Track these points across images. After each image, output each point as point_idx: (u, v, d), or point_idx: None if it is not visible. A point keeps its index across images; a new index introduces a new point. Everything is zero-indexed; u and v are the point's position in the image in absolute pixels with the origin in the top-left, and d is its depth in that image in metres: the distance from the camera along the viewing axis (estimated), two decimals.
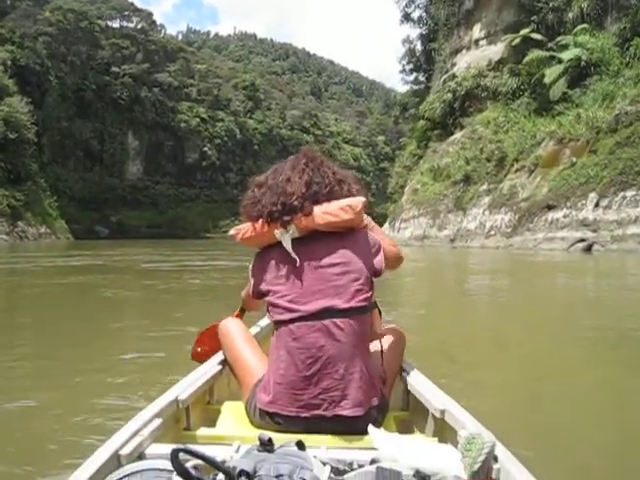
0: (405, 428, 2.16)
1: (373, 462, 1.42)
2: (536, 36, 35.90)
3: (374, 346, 2.20)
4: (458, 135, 40.34)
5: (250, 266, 2.19)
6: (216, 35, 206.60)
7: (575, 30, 33.12)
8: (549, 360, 4.82)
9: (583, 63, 31.70)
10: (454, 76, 42.16)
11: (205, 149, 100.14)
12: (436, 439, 1.92)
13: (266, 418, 1.98)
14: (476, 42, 41.46)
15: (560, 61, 33.19)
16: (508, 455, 1.50)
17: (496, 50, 39.43)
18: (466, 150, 37.04)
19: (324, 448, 1.67)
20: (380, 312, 2.24)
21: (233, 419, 2.12)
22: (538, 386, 4.02)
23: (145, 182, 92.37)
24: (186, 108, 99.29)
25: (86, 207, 77.99)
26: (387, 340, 2.34)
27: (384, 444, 1.49)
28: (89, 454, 1.48)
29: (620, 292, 10.24)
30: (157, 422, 1.77)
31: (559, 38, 34.45)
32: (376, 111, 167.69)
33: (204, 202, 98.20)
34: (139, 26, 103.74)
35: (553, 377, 4.25)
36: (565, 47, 33.88)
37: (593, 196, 26.14)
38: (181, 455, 1.25)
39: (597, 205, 25.82)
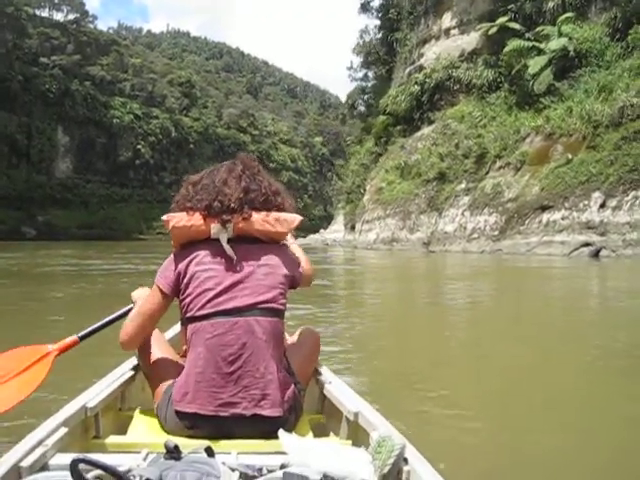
0: (320, 431, 2.16)
1: (283, 467, 1.41)
2: (514, 25, 33.64)
3: (289, 348, 2.22)
4: (426, 130, 37.67)
5: (166, 262, 2.10)
6: (148, 32, 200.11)
7: (559, 20, 30.68)
8: (526, 391, 4.10)
9: (572, 54, 29.31)
10: (422, 67, 39.51)
11: (139, 147, 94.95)
12: (350, 442, 1.92)
13: (180, 423, 1.93)
14: (447, 31, 38.84)
15: (542, 52, 30.89)
16: (418, 457, 1.51)
17: (469, 40, 36.93)
18: (439, 146, 34.33)
19: (235, 454, 1.65)
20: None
21: (145, 426, 2.06)
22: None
23: (75, 180, 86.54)
24: (119, 104, 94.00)
25: (11, 206, 72.10)
26: (302, 342, 2.36)
27: (294, 448, 1.49)
28: None
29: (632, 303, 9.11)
30: (63, 431, 1.70)
31: (540, 28, 32.30)
32: (312, 112, 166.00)
33: (137, 202, 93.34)
34: (70, 16, 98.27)
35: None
36: (546, 37, 31.59)
37: (597, 196, 23.68)
38: (82, 465, 1.22)
39: (603, 206, 23.41)
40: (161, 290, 2.07)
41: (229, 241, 2.03)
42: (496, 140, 30.60)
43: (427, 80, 37.91)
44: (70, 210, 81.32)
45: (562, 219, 24.68)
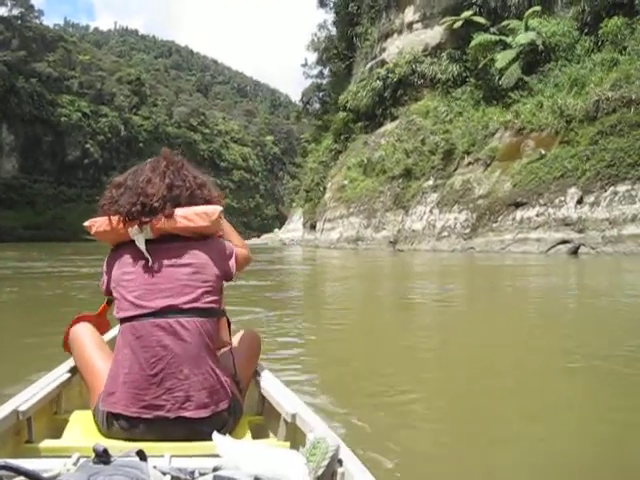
0: (259, 433, 2.17)
1: (215, 470, 1.40)
2: (479, 19, 33.08)
3: (227, 349, 2.21)
4: (389, 126, 36.77)
5: (105, 261, 2.13)
6: (96, 30, 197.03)
7: (526, 14, 30.13)
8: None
9: (541, 48, 28.73)
10: (384, 62, 38.54)
11: (87, 146, 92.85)
12: (288, 444, 1.92)
13: (113, 425, 1.91)
14: (409, 25, 37.91)
15: (509, 46, 30.33)
16: (352, 458, 1.50)
17: (433, 34, 36.10)
18: (404, 142, 33.43)
19: (168, 457, 1.62)
20: (229, 322, 2.24)
21: (81, 429, 2.01)
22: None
23: (21, 180, 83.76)
24: (67, 101, 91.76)
25: None
26: (241, 343, 2.34)
27: (227, 450, 1.50)
28: None
29: (612, 301, 8.68)
30: None
31: (505, 22, 31.76)
32: (262, 111, 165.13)
33: (85, 202, 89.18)
34: (14, 11, 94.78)
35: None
36: (512, 31, 31.07)
37: (574, 191, 23.10)
38: (4, 472, 1.19)
39: (580, 202, 22.83)
40: (102, 291, 2.13)
41: (150, 242, 2.00)
42: (464, 135, 29.84)
43: (390, 75, 36.96)
44: (16, 211, 78.59)
45: (537, 216, 24.01)
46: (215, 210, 2.05)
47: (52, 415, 2.20)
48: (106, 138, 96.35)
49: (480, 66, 31.10)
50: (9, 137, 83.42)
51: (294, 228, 58.53)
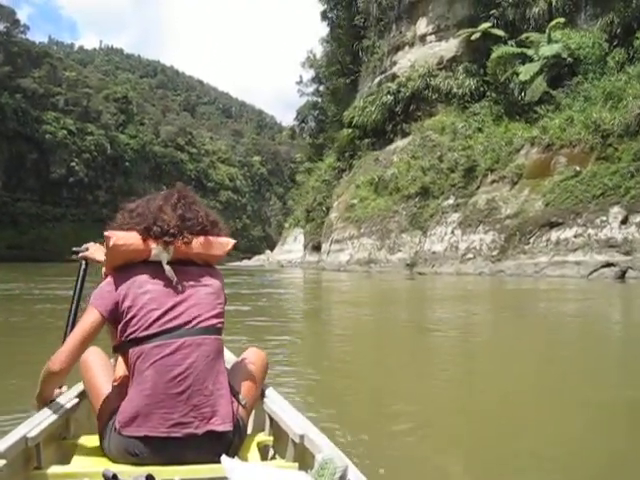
0: (267, 454, 2.21)
1: None
2: (497, 32, 31.58)
3: (235, 368, 2.26)
4: (400, 143, 35.19)
5: (103, 285, 2.06)
6: (80, 48, 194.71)
7: (550, 25, 28.70)
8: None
9: (569, 60, 27.25)
10: (394, 76, 37.01)
11: (72, 164, 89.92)
12: (296, 465, 1.93)
13: (124, 450, 1.90)
14: (422, 38, 36.43)
15: (531, 59, 28.89)
16: (360, 478, 1.52)
17: (448, 47, 34.66)
18: (419, 159, 31.66)
19: (177, 479, 1.68)
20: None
21: (89, 454, 2.03)
22: None
23: (4, 198, 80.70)
24: (52, 118, 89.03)
25: None
26: (248, 363, 2.32)
27: (237, 473, 1.50)
28: None
29: None
30: (1, 463, 1.65)
31: (525, 35, 30.30)
32: (249, 132, 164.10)
33: (70, 222, 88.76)
34: (0, 25, 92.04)
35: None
36: (533, 44, 29.65)
37: (617, 211, 21.46)
38: None
39: (625, 222, 21.05)
40: (100, 313, 2.01)
41: (169, 264, 2.02)
42: (486, 152, 28.25)
43: (402, 89, 35.44)
44: None
45: (575, 237, 22.33)
46: (229, 242, 2.17)
47: (60, 440, 2.17)
48: (92, 156, 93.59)
49: (502, 79, 29.52)
50: None
51: (290, 249, 56.66)
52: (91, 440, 2.10)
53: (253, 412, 2.30)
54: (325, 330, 9.01)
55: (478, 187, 27.75)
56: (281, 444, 2.13)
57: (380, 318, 10.52)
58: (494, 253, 25.02)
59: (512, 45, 30.56)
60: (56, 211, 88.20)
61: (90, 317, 2.01)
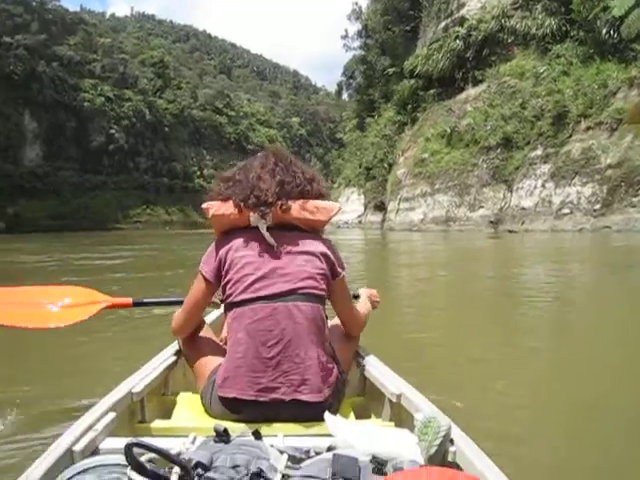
0: (362, 413, 2.17)
1: (330, 449, 1.42)
2: None
3: (331, 332, 2.19)
4: (472, 91, 32.78)
5: (208, 250, 2.12)
6: (112, 16, 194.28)
7: None
8: None
9: None
10: (463, 20, 34.29)
11: (112, 131, 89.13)
12: (392, 424, 1.93)
13: (223, 407, 1.96)
14: None
15: None
16: (464, 438, 1.50)
17: None
18: (496, 107, 29.18)
19: (281, 436, 1.67)
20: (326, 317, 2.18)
21: (189, 410, 2.07)
22: None
23: (45, 168, 79.88)
24: (89, 86, 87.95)
25: None
26: (342, 326, 2.34)
27: (340, 430, 1.50)
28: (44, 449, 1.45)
29: None
30: (111, 416, 1.73)
31: None
32: (285, 93, 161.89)
33: (112, 190, 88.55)
34: None
35: None
36: None
37: None
38: (135, 449, 1.24)
39: None
40: (205, 278, 2.07)
41: (268, 229, 2.02)
42: (577, 97, 25.79)
43: (472, 33, 32.89)
44: (41, 200, 75.87)
45: None
46: (334, 207, 2.08)
47: (160, 396, 2.26)
48: (131, 123, 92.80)
49: (591, 16, 26.82)
50: (32, 124, 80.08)
51: (343, 210, 54.79)
52: (189, 397, 2.15)
53: None
54: (403, 295, 8.17)
55: (570, 135, 25.39)
56: (375, 404, 2.14)
57: (464, 280, 9.88)
58: (596, 207, 22.81)
59: None
60: (97, 179, 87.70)
61: (197, 282, 2.09)
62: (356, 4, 59.55)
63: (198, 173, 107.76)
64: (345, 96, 74.24)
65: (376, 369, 2.17)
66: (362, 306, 2.41)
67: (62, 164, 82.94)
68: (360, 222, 42.14)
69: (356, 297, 2.53)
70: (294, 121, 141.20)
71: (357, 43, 61.20)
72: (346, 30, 59.00)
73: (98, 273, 11.65)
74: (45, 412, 3.07)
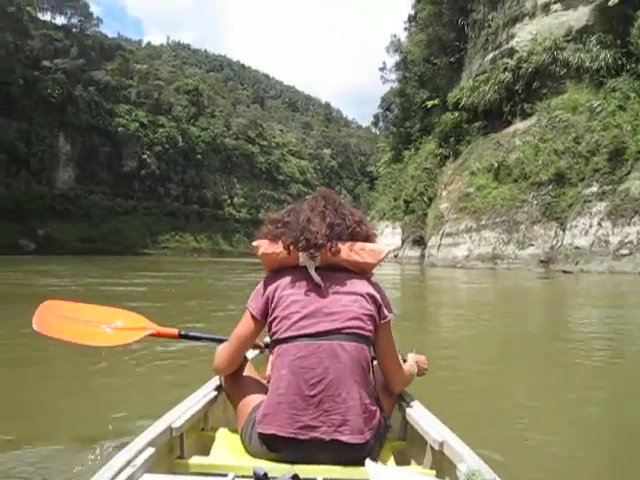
0: (402, 459, 2.13)
1: None
2: None
3: (375, 374, 2.20)
4: (521, 125, 31.72)
5: (257, 287, 2.13)
6: (148, 44, 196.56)
7: None
8: None
9: None
10: (512, 51, 33.33)
11: (144, 157, 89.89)
12: (434, 472, 1.88)
13: (262, 444, 1.94)
14: (545, 7, 32.72)
15: None
16: None
17: (577, 16, 30.90)
18: (548, 142, 28.03)
19: (320, 479, 1.68)
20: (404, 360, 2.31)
21: (228, 447, 2.08)
22: None
23: (77, 191, 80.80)
24: (124, 111, 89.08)
25: (8, 218, 65.34)
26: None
27: (380, 477, 1.47)
28: None
29: None
30: (150, 451, 1.72)
31: None
32: (317, 125, 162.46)
33: (142, 215, 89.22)
34: (73, 19, 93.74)
35: None
36: None
37: None
38: None
39: None
40: (252, 315, 2.08)
41: (316, 269, 2.03)
42: (636, 132, 24.57)
43: (522, 65, 31.95)
44: (71, 222, 76.25)
45: None
46: (383, 250, 2.08)
47: (199, 432, 2.22)
48: (163, 149, 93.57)
49: None
50: (66, 147, 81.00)
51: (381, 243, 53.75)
52: (228, 433, 2.16)
53: None
54: (445, 339, 7.57)
55: (629, 172, 24.22)
56: (417, 450, 2.08)
57: (512, 322, 9.43)
58: None
59: None
60: (128, 204, 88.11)
61: (244, 319, 2.11)
62: (394, 36, 59.29)
63: (228, 201, 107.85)
64: (378, 129, 73.79)
65: (418, 414, 2.10)
66: (408, 367, 2.30)
67: (94, 187, 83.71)
68: (396, 256, 40.98)
69: (404, 361, 2.35)
70: (325, 153, 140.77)
71: (394, 75, 60.86)
72: (384, 62, 59.16)
73: (135, 299, 10.94)
74: (82, 444, 2.97)
